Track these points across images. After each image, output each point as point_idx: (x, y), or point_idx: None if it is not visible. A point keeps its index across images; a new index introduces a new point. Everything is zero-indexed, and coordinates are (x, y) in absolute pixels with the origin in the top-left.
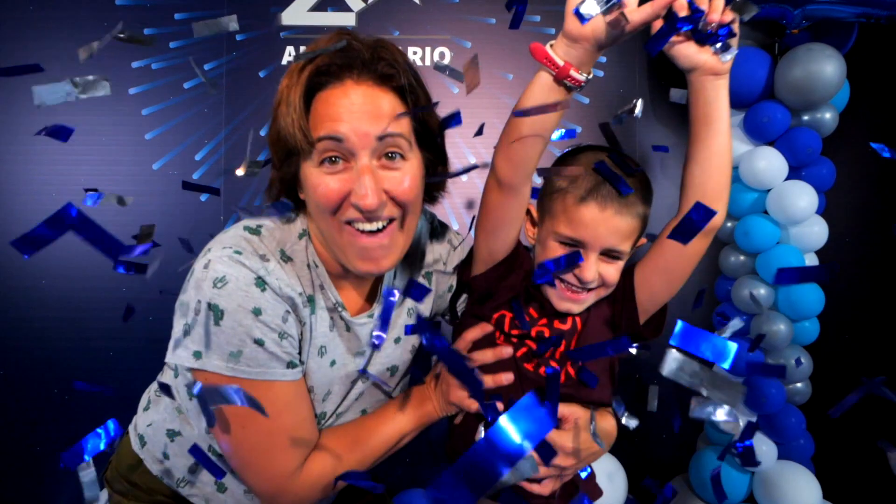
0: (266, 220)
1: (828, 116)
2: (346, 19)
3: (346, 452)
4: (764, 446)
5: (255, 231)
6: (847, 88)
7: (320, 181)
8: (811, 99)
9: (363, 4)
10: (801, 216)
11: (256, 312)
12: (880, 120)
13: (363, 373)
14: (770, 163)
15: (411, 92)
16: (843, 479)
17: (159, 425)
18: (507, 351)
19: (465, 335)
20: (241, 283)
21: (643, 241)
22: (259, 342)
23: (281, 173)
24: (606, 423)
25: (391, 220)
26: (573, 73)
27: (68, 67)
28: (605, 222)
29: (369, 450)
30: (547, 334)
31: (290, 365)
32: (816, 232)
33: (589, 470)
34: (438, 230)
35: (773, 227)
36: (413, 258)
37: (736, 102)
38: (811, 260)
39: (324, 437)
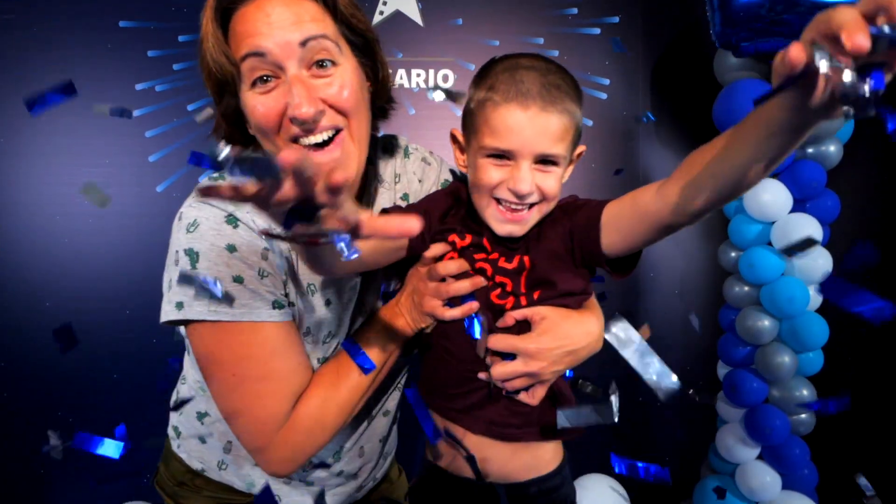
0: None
1: (832, 149)
2: None
3: (329, 391)
4: (768, 477)
5: (219, 177)
6: (851, 125)
7: (255, 103)
8: (816, 132)
9: None
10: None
11: (231, 249)
12: (884, 152)
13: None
14: (775, 196)
15: None
16: None
17: (189, 411)
18: (480, 280)
19: (426, 253)
20: (211, 223)
21: (582, 147)
22: (238, 279)
23: (222, 109)
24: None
25: (338, 131)
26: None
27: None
28: (530, 123)
29: (354, 382)
30: (489, 272)
31: (276, 305)
32: (821, 264)
33: (570, 374)
34: (385, 146)
35: (778, 260)
36: (368, 179)
37: None
38: (815, 292)
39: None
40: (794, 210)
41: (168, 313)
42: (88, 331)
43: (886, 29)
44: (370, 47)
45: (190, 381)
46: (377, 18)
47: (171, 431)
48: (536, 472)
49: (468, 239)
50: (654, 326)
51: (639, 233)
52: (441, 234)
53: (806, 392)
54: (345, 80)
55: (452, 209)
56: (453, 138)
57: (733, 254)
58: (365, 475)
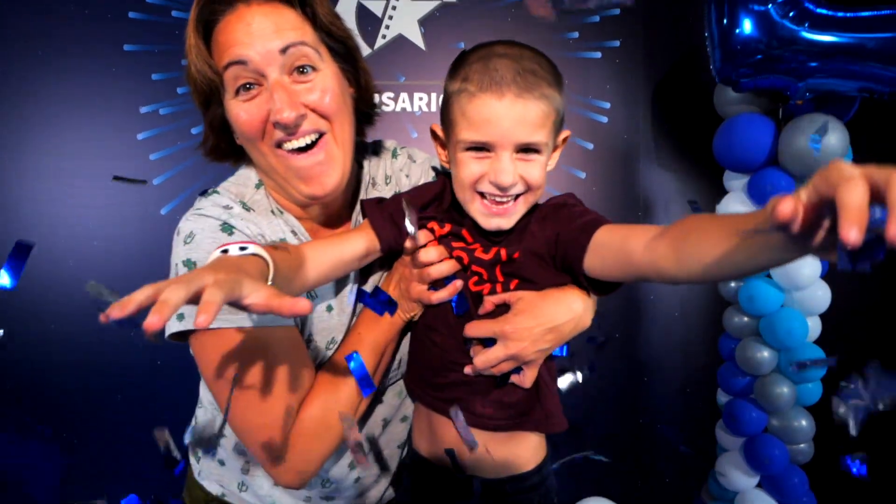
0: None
1: None
2: None
3: (328, 392)
4: None
5: (213, 192)
6: (850, 155)
7: (239, 110)
8: (815, 169)
9: (369, 50)
10: (805, 283)
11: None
12: None
13: (362, 299)
14: None
15: (302, 1)
16: None
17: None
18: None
19: (406, 244)
20: (207, 232)
21: (567, 132)
22: None
23: (209, 119)
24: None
25: (321, 135)
26: None
27: (78, 114)
28: (507, 112)
29: (353, 383)
30: (466, 260)
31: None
32: (820, 296)
33: (564, 352)
34: (373, 148)
35: (777, 292)
36: (361, 182)
37: (740, 167)
38: (815, 323)
39: None
40: None
41: (171, 326)
42: (94, 352)
43: (880, 213)
44: (351, 54)
45: (205, 403)
46: (380, 42)
47: (191, 458)
48: (515, 469)
49: (447, 228)
50: (654, 351)
51: (618, 271)
52: (420, 222)
53: (805, 422)
54: (326, 85)
55: (436, 200)
56: (434, 134)
57: (733, 284)
58: (385, 484)
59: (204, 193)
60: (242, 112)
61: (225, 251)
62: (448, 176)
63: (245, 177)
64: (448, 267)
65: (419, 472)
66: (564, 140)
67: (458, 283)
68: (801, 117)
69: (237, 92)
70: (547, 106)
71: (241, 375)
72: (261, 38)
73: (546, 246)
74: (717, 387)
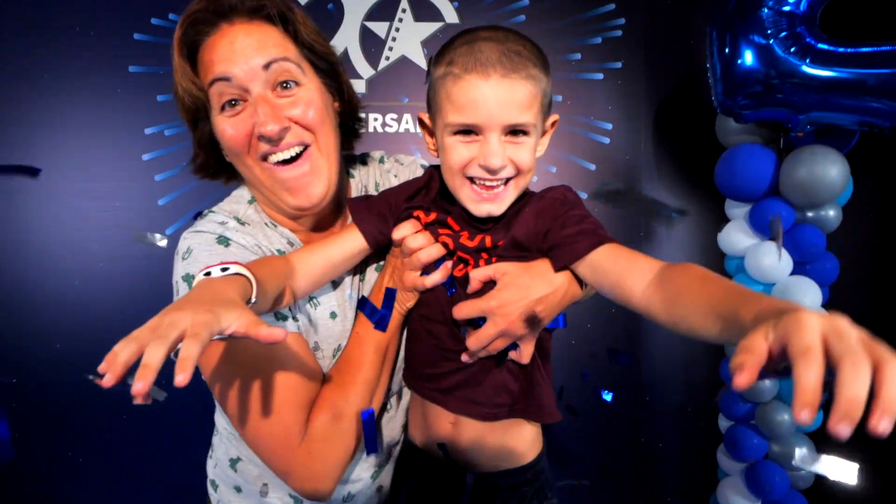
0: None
1: (831, 214)
2: (357, 86)
3: (337, 397)
4: None
5: (208, 212)
6: (850, 187)
7: (225, 125)
8: (815, 200)
9: (373, 72)
10: None
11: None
12: (884, 213)
13: (362, 305)
14: (775, 260)
15: (284, 19)
16: None
17: (223, 460)
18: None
19: (393, 234)
20: (203, 246)
21: (555, 116)
22: None
23: (197, 136)
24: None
25: (306, 147)
26: None
27: (84, 135)
28: (493, 92)
29: (360, 383)
30: (451, 246)
31: (279, 316)
32: None
33: (560, 324)
34: (361, 159)
35: None
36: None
37: (742, 197)
38: None
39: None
40: (794, 272)
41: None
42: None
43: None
44: (333, 69)
45: (220, 429)
46: (383, 63)
47: (209, 487)
48: (509, 463)
49: (433, 216)
50: (655, 372)
51: (609, 294)
52: (406, 212)
53: (805, 449)
54: (309, 99)
55: (422, 190)
56: (421, 122)
57: None
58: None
59: (199, 215)
60: (228, 127)
61: (208, 274)
62: (437, 170)
63: (238, 196)
64: (436, 250)
65: (414, 461)
66: (553, 125)
67: (450, 264)
68: (802, 150)
69: (223, 108)
70: (534, 86)
71: (248, 385)
72: (244, 55)
73: (534, 238)
74: (719, 411)
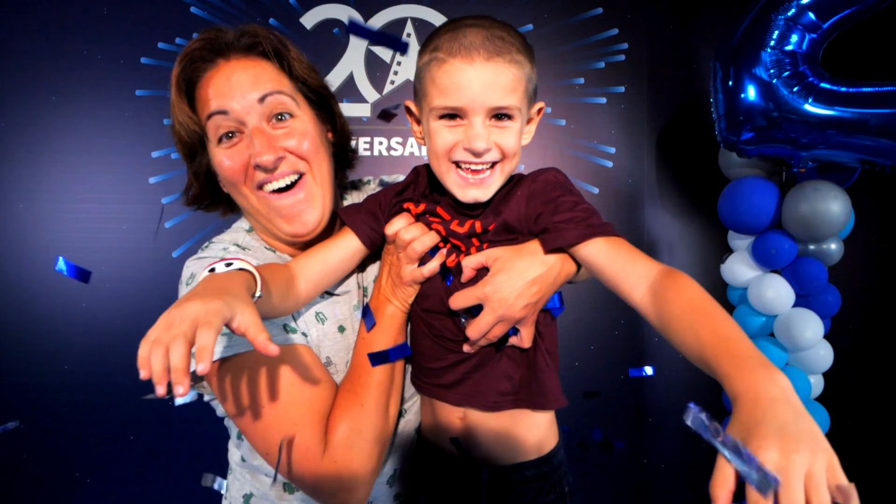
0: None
1: (833, 247)
2: (362, 110)
3: (351, 403)
4: None
5: (208, 244)
6: (852, 220)
7: (222, 157)
8: (817, 235)
9: (378, 96)
10: (808, 345)
11: None
12: (885, 247)
13: (365, 314)
14: (777, 292)
15: (278, 55)
16: None
17: (237, 498)
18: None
19: (386, 230)
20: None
21: (541, 104)
22: None
23: (193, 168)
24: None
25: (301, 176)
26: None
27: (91, 159)
28: (477, 75)
29: (374, 386)
30: (443, 233)
31: (288, 330)
32: (822, 355)
33: (557, 304)
34: (352, 185)
35: (780, 352)
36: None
37: (744, 230)
38: (817, 381)
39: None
40: (796, 304)
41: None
42: (107, 392)
43: None
44: (326, 101)
45: (233, 465)
46: (388, 87)
47: None
48: (521, 455)
49: (422, 207)
50: (658, 391)
51: (608, 287)
52: (396, 206)
53: None
54: (303, 130)
55: (410, 185)
56: (408, 110)
57: None
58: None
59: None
60: (225, 158)
61: (212, 270)
62: (424, 167)
63: (236, 227)
64: (430, 239)
65: (427, 458)
66: (539, 112)
67: (444, 251)
68: (804, 185)
69: (220, 140)
70: (517, 70)
71: (264, 398)
72: (240, 89)
73: (525, 222)
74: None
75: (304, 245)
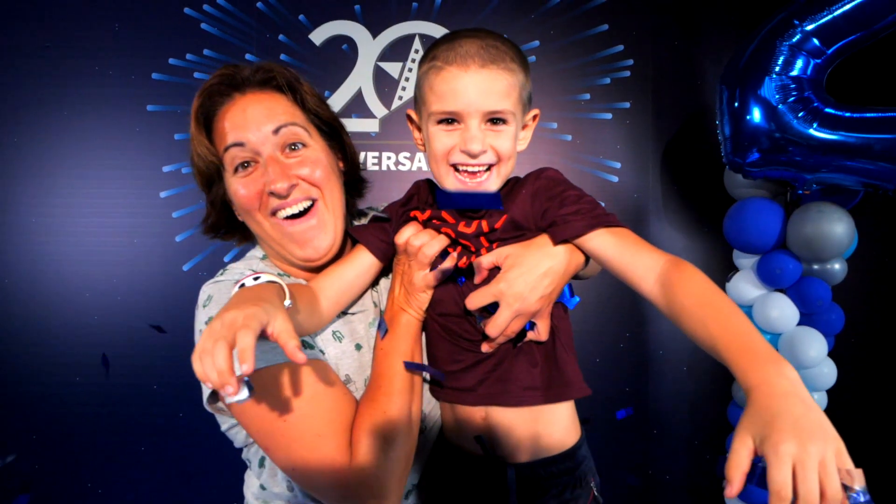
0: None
1: (837, 267)
2: (370, 125)
3: (374, 411)
4: None
5: (223, 271)
6: (856, 241)
7: (238, 186)
8: (822, 256)
9: (386, 111)
10: (812, 363)
11: None
12: (888, 266)
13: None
14: (782, 311)
15: (292, 88)
16: None
17: None
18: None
19: (396, 239)
20: (223, 291)
21: (536, 111)
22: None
23: (211, 198)
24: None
25: (313, 203)
26: None
27: (103, 173)
28: (472, 81)
29: (395, 393)
30: (452, 236)
31: (306, 346)
32: (826, 373)
33: (567, 296)
34: (366, 211)
35: None
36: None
37: (749, 250)
38: (821, 399)
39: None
40: (800, 323)
41: (206, 391)
42: (116, 404)
43: None
44: (337, 132)
45: (249, 498)
46: (396, 103)
47: None
48: (546, 451)
49: (428, 213)
50: (662, 404)
51: (616, 275)
52: (403, 216)
53: None
54: (315, 158)
55: (414, 196)
56: (409, 118)
57: None
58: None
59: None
60: (241, 187)
61: (242, 285)
62: (423, 182)
63: (251, 255)
64: (439, 242)
65: (449, 459)
66: (535, 118)
67: (455, 253)
68: (809, 207)
69: (236, 170)
70: (511, 77)
71: (285, 412)
72: (255, 122)
73: (532, 218)
74: (726, 450)
75: (317, 270)
